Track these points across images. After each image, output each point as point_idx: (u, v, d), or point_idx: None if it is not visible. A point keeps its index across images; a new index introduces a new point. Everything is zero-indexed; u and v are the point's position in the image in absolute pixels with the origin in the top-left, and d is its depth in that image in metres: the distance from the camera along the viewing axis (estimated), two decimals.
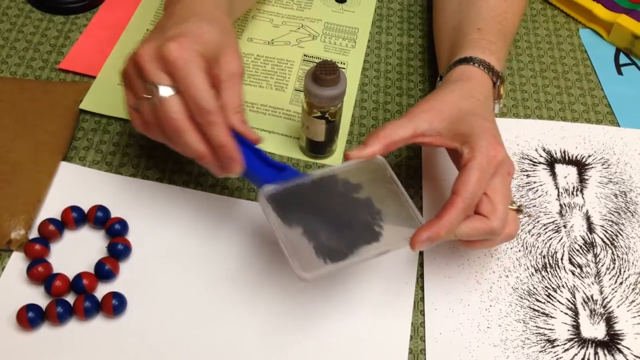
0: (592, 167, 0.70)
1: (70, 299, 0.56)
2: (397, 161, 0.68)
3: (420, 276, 0.61)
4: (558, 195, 0.68)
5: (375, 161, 0.55)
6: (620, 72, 0.80)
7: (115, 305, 0.55)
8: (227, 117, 0.53)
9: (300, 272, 0.48)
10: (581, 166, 0.70)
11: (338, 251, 0.50)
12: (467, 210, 0.53)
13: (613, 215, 0.67)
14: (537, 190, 0.68)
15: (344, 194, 0.53)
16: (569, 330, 0.59)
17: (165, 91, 0.51)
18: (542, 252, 0.63)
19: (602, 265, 0.63)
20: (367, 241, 0.51)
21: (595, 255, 0.64)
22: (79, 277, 0.56)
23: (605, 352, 0.58)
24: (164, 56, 0.51)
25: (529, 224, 0.65)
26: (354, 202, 0.53)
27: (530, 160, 0.70)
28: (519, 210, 0.57)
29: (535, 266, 0.62)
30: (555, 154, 0.71)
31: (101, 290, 0.57)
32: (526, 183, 0.68)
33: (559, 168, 0.70)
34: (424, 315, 0.59)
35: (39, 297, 0.56)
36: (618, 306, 0.61)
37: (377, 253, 0.51)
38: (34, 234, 0.60)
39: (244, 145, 0.54)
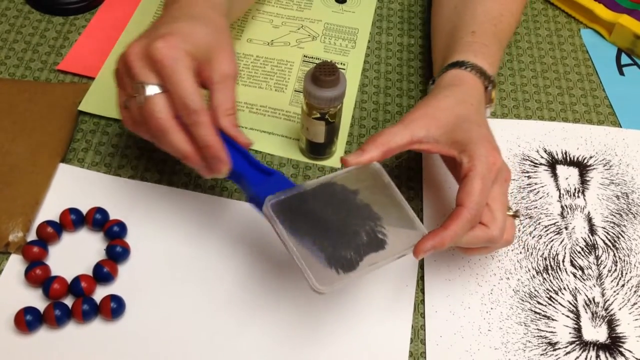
0: (594, 169, 0.70)
1: (69, 301, 0.56)
2: (397, 163, 0.68)
3: (421, 278, 0.60)
4: (559, 197, 0.67)
5: (372, 167, 0.54)
6: (622, 73, 0.80)
7: (114, 308, 0.55)
8: (217, 119, 0.53)
9: (316, 285, 0.48)
10: (583, 167, 0.70)
11: (348, 260, 0.50)
12: (472, 222, 0.52)
13: (615, 217, 0.66)
14: (538, 191, 0.68)
15: (343, 202, 0.52)
16: (570, 333, 0.58)
17: (151, 90, 0.51)
18: (543, 254, 0.63)
19: (604, 268, 0.63)
20: (374, 249, 0.51)
21: (597, 257, 0.63)
22: (77, 279, 0.56)
23: (607, 355, 0.57)
24: (151, 54, 0.51)
25: (530, 226, 0.65)
26: (354, 210, 0.52)
27: (532, 161, 0.70)
28: (515, 216, 0.57)
29: (537, 268, 0.62)
30: (557, 155, 0.71)
31: (99, 293, 0.57)
32: (527, 184, 0.68)
33: (560, 169, 0.70)
34: (424, 318, 0.58)
35: (36, 300, 0.56)
36: (620, 309, 0.60)
37: (386, 262, 0.51)
38: (32, 236, 0.59)
39: (231, 146, 0.53)
